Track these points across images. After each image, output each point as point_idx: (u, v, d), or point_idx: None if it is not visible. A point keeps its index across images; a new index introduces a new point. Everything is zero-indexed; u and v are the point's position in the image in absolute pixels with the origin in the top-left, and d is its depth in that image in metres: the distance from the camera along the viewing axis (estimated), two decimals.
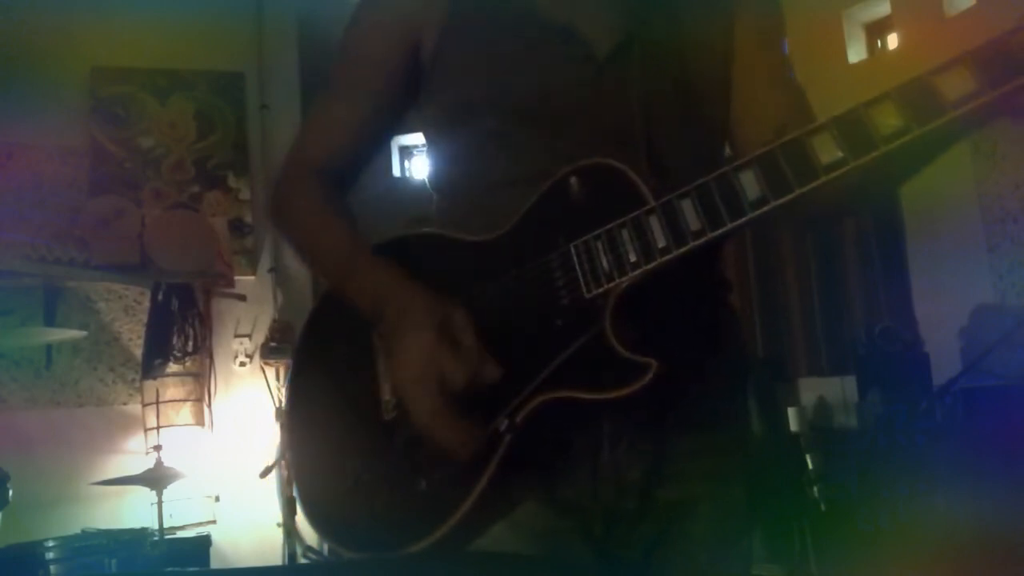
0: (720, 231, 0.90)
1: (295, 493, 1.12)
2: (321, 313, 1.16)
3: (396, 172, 5.42)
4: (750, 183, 0.89)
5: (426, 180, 1.21)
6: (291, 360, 1.16)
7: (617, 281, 0.94)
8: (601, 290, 0.94)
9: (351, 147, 1.18)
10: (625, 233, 0.94)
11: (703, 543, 1.08)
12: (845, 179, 0.86)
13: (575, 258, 0.96)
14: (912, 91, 0.85)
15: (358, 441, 1.06)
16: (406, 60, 1.12)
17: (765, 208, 0.88)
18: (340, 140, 1.17)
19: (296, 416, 1.15)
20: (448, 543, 0.97)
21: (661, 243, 0.92)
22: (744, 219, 0.89)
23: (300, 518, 3.43)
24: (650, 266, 0.92)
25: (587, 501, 1.04)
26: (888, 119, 0.85)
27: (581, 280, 0.96)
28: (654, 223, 0.93)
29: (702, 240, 0.90)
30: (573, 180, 0.98)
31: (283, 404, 1.14)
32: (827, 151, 0.86)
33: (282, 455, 3.41)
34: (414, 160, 5.41)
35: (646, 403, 0.94)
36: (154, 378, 3.55)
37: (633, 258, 0.93)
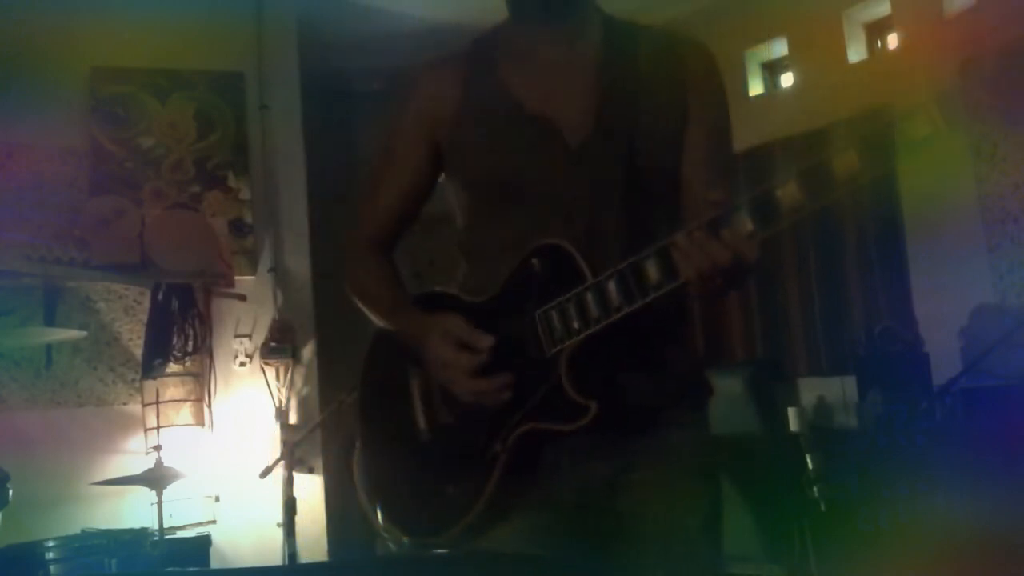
0: (631, 308, 1.18)
1: (374, 503, 1.54)
2: (372, 356, 1.51)
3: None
4: (654, 269, 1.17)
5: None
6: (357, 391, 1.54)
7: (568, 343, 1.24)
8: (556, 349, 1.25)
9: (396, 222, 1.51)
10: (571, 306, 1.23)
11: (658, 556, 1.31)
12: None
13: (538, 324, 1.27)
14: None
15: (407, 458, 1.41)
16: (430, 151, 1.43)
17: (659, 292, 1.17)
18: (387, 218, 1.50)
19: (367, 440, 1.51)
20: (472, 529, 1.30)
21: (595, 313, 1.22)
22: (644, 300, 1.18)
23: (300, 518, 3.44)
24: (590, 331, 1.22)
25: (561, 502, 1.32)
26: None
27: (543, 341, 1.26)
28: (589, 298, 1.22)
29: (620, 314, 1.19)
30: (535, 260, 1.28)
31: (357, 431, 1.56)
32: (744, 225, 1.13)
33: (282, 458, 3.41)
34: None
35: (599, 429, 1.23)
36: (154, 378, 3.54)
37: (576, 325, 1.23)
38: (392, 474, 1.46)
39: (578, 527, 1.32)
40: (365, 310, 1.50)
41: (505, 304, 1.31)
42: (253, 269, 3.89)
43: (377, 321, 1.49)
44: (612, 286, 1.20)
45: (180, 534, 3.36)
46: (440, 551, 1.38)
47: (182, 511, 3.43)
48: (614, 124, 1.32)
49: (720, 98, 1.41)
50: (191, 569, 3.22)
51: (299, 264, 3.97)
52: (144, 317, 3.60)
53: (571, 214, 1.31)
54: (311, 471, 3.77)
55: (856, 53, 4.14)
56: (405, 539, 1.43)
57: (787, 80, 4.49)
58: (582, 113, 1.33)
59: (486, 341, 1.29)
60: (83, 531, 3.20)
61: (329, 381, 3.87)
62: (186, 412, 3.62)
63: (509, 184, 1.35)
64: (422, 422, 1.39)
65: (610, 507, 1.33)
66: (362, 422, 1.51)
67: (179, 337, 3.59)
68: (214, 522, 3.52)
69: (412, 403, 1.40)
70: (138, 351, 3.59)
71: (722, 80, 1.42)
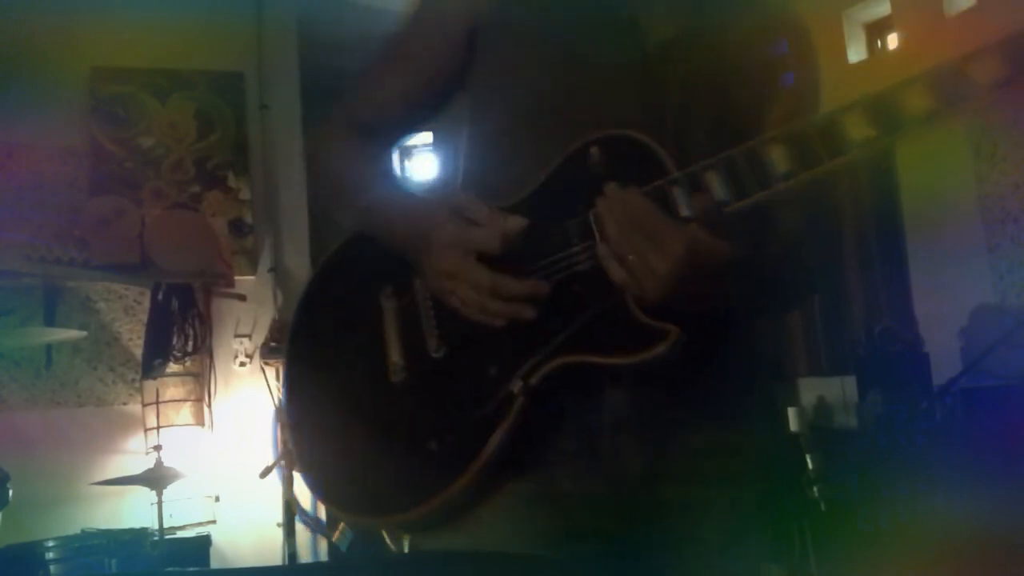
0: (746, 202, 0.89)
1: (297, 460, 1.12)
2: (321, 280, 1.17)
3: (396, 172, 5.42)
4: (780, 156, 0.88)
5: (462, 156, 1.20)
6: (289, 326, 1.17)
7: None
8: None
9: (400, 111, 1.20)
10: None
11: (712, 545, 1.06)
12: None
13: (593, 225, 0.95)
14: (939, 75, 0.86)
15: (365, 405, 1.06)
16: (465, 32, 1.14)
17: (792, 181, 0.88)
18: (390, 103, 1.19)
19: (297, 382, 1.15)
20: (452, 507, 0.98)
21: (684, 213, 0.90)
22: (770, 190, 0.88)
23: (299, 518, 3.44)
24: None
25: (588, 492, 1.02)
26: (917, 102, 0.86)
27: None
28: (678, 193, 0.91)
29: (726, 211, 0.89)
30: (594, 150, 0.98)
31: (281, 368, 1.13)
32: (858, 128, 0.86)
33: (281, 448, 3.41)
34: (414, 160, 5.42)
35: (656, 385, 0.94)
36: (154, 378, 3.54)
37: None
38: (343, 431, 1.07)
39: (598, 519, 1.03)
40: (337, 205, 1.20)
41: (543, 204, 1.00)
42: (253, 269, 3.89)
43: (351, 218, 1.16)
44: (715, 176, 0.90)
45: (180, 534, 3.35)
46: (439, 551, 1.03)
47: (182, 511, 3.42)
48: (703, 28, 1.07)
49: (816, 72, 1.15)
50: (191, 569, 3.21)
51: (299, 264, 3.96)
52: (144, 317, 3.60)
53: (644, 124, 1.01)
54: None
55: (856, 53, 4.14)
56: (358, 519, 1.08)
57: None
58: (665, 8, 1.08)
59: (515, 223, 0.96)
60: (83, 531, 3.19)
61: None
62: (186, 412, 3.62)
63: (562, 82, 1.07)
64: (396, 355, 1.04)
65: (649, 496, 1.03)
66: (296, 360, 1.13)
67: (179, 337, 3.59)
68: (214, 522, 3.51)
69: (382, 332, 1.06)
70: (138, 351, 3.59)
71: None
